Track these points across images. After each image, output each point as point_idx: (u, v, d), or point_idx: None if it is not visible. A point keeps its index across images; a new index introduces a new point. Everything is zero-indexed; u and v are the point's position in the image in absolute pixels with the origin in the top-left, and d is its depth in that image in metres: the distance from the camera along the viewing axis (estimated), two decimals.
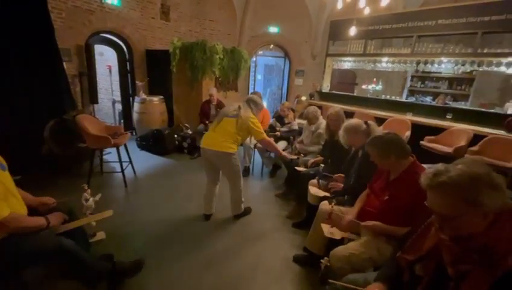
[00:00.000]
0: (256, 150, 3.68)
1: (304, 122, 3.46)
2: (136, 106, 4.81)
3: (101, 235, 2.19)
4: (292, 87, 7.41)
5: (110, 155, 3.85)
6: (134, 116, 4.91)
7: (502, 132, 3.55)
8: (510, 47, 3.91)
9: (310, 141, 3.25)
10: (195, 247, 2.18)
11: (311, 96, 6.32)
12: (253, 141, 3.61)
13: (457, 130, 3.79)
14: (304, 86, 7.16)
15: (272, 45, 7.35)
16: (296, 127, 3.75)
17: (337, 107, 2.80)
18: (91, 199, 2.06)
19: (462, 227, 0.81)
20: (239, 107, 2.41)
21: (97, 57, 4.86)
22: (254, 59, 7.55)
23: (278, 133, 3.66)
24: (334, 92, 6.36)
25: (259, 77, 9.10)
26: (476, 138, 3.55)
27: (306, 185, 2.38)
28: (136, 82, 5.03)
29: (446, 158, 3.43)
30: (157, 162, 4.03)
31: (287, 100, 7.11)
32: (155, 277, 1.82)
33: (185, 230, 2.41)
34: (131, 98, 5.24)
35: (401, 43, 5.42)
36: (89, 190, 2.07)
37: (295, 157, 3.05)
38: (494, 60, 4.04)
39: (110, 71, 5.41)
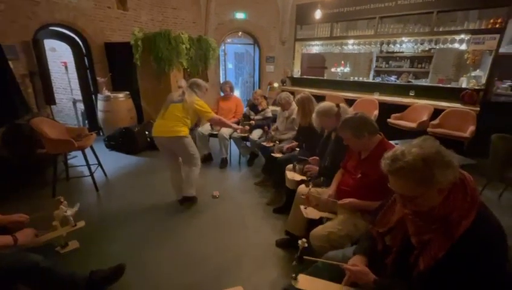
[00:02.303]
0: (232, 140, 3.65)
1: (278, 109, 3.48)
2: (100, 104, 4.50)
3: (74, 244, 2.05)
4: (264, 75, 7.37)
5: (76, 159, 3.60)
6: (99, 115, 4.60)
7: (458, 105, 3.85)
8: (462, 25, 4.18)
9: (284, 127, 3.27)
10: (176, 244, 2.14)
11: (283, 82, 6.35)
12: (229, 132, 3.57)
13: (419, 106, 4.04)
14: (276, 73, 7.15)
15: (240, 32, 7.19)
16: (270, 114, 3.75)
17: (305, 92, 2.83)
18: (69, 210, 1.93)
19: (422, 204, 0.87)
20: (183, 93, 2.53)
21: (49, 53, 4.43)
22: (223, 47, 7.35)
23: (252, 122, 3.64)
24: (305, 76, 6.43)
25: (230, 66, 8.92)
26: (437, 112, 3.81)
27: (283, 171, 2.41)
28: (97, 78, 4.68)
29: (411, 133, 3.66)
30: (129, 162, 3.84)
31: (259, 88, 7.08)
32: (137, 280, 1.76)
33: (163, 228, 2.35)
34: (93, 96, 4.88)
35: (365, 25, 5.57)
36: (65, 202, 1.93)
37: (246, 134, 3.20)
38: (449, 37, 4.31)
39: (66, 68, 4.97)
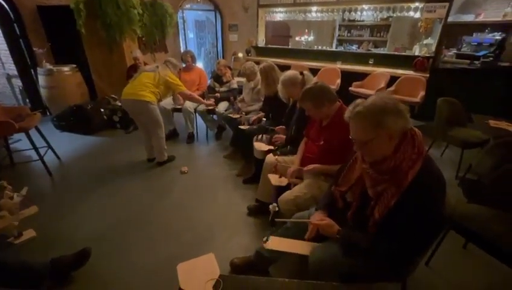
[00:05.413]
0: (198, 114, 3.52)
1: (243, 80, 3.39)
2: (42, 80, 3.95)
3: (29, 233, 1.91)
4: (227, 44, 7.03)
5: (20, 143, 3.21)
6: (43, 92, 4.07)
7: (411, 72, 4.11)
8: None
9: (250, 98, 3.23)
10: (147, 221, 2.10)
11: (247, 52, 6.15)
12: (193, 106, 3.43)
13: (377, 74, 4.24)
14: (240, 42, 6.86)
15: None
16: (235, 85, 3.65)
17: (269, 61, 2.77)
18: (15, 195, 1.74)
19: (375, 150, 0.96)
20: (157, 66, 2.71)
21: None
22: (182, 14, 6.76)
23: (217, 95, 3.53)
24: (270, 46, 6.28)
25: (190, 35, 8.30)
26: (393, 79, 4.05)
27: (251, 142, 2.43)
28: (34, 49, 4.06)
29: None
30: (85, 143, 3.54)
31: (223, 58, 6.78)
32: (106, 262, 1.71)
33: (130, 207, 2.27)
34: (32, 71, 4.26)
35: None
36: (10, 187, 1.73)
37: (211, 105, 3.27)
38: (405, 5, 4.45)
39: None
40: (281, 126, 2.29)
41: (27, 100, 4.49)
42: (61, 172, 2.84)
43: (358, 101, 0.98)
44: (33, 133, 2.63)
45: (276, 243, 1.21)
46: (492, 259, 1.34)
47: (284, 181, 1.78)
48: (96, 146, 3.49)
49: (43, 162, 2.68)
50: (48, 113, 4.29)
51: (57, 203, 2.32)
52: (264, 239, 1.23)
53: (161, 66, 2.71)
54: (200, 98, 3.16)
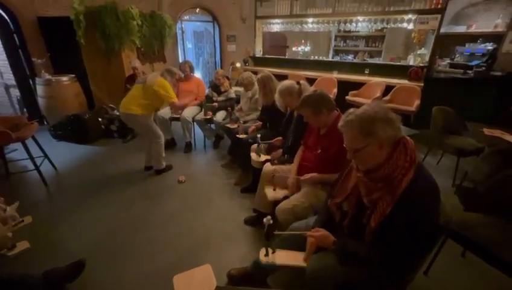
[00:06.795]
0: (195, 123, 3.53)
1: (241, 89, 3.42)
2: (41, 89, 3.97)
3: (23, 245, 1.88)
4: (225, 54, 7.13)
5: (16, 152, 3.20)
6: (40, 101, 4.07)
7: (406, 81, 4.18)
8: (410, 5, 4.44)
9: (248, 107, 3.26)
10: (144, 230, 2.08)
11: (245, 62, 6.23)
12: (191, 115, 3.45)
13: (373, 83, 4.30)
14: (237, 52, 6.96)
15: (198, 9, 6.75)
16: (233, 95, 3.68)
17: (266, 71, 2.81)
18: (8, 208, 1.72)
19: (367, 158, 0.99)
20: (146, 77, 2.67)
21: None
22: (180, 25, 6.88)
23: (215, 104, 3.55)
24: (267, 56, 6.38)
25: (189, 45, 8.42)
26: (388, 88, 4.11)
27: (249, 151, 2.43)
28: (33, 59, 4.09)
29: None
30: (82, 152, 3.52)
31: (221, 68, 6.86)
32: (101, 274, 1.68)
33: (127, 217, 2.24)
34: (31, 80, 4.28)
35: (323, 3, 5.61)
36: (2, 198, 1.71)
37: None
38: (399, 17, 4.57)
39: None
40: (278, 138, 2.30)
41: (24, 110, 4.48)
42: (57, 182, 2.81)
43: (351, 110, 1.01)
44: (30, 142, 2.62)
45: (273, 255, 1.20)
46: (490, 267, 1.34)
47: (280, 194, 1.78)
48: (93, 155, 3.47)
49: (39, 172, 2.65)
50: (45, 123, 4.28)
51: (52, 214, 2.29)
52: (262, 250, 1.22)
53: (151, 76, 2.62)
54: (189, 102, 3.37)
